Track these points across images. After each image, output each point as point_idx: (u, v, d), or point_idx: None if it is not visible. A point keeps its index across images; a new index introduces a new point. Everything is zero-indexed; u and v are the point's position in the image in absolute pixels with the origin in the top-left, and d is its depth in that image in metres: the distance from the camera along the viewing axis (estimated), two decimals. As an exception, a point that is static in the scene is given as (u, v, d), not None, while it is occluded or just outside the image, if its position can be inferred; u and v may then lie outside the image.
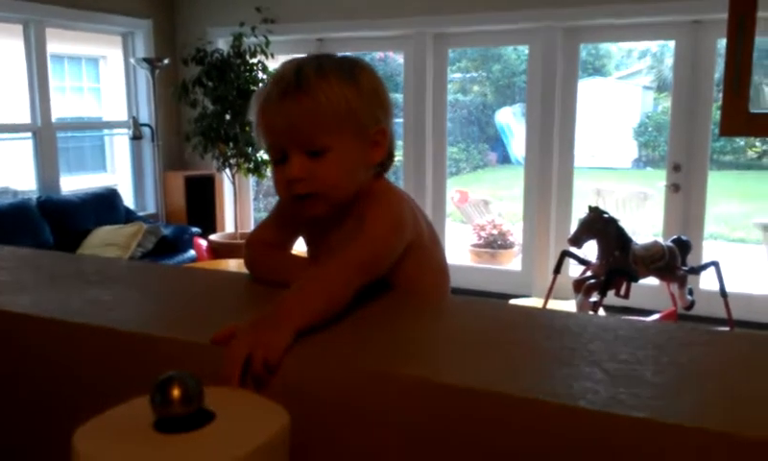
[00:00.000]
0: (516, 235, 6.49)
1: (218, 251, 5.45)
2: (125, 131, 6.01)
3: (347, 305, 0.96)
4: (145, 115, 5.85)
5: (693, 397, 0.75)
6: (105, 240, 4.82)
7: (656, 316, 3.95)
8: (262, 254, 1.21)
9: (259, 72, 5.39)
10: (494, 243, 6.72)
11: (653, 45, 13.39)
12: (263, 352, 0.84)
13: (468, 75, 13.71)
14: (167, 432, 0.69)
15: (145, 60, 5.45)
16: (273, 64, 5.47)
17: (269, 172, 5.77)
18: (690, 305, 3.73)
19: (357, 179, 1.09)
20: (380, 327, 0.99)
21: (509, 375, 0.82)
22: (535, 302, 4.55)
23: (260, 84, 5.37)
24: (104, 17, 5.48)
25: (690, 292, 3.76)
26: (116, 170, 7.64)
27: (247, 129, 5.36)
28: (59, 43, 6.24)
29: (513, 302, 4.24)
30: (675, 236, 3.87)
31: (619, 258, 3.51)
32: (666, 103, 11.44)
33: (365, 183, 1.11)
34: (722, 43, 4.38)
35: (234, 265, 4.95)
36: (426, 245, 1.15)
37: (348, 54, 1.20)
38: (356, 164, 1.08)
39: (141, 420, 0.71)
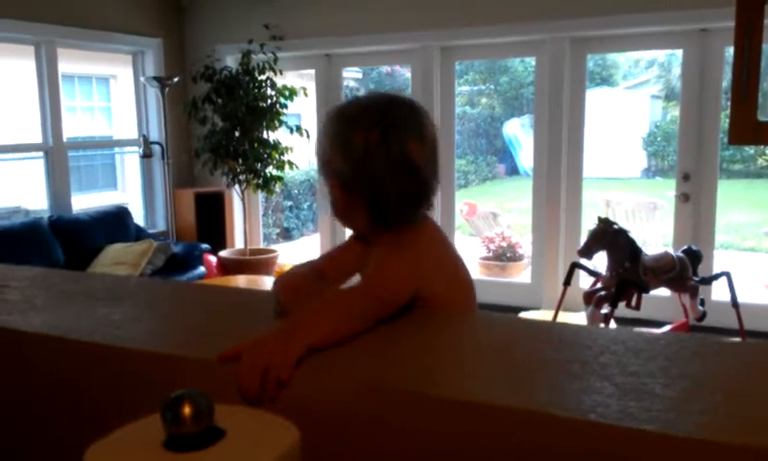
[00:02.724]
0: (526, 247, 6.47)
1: (228, 267, 5.47)
2: (135, 149, 6.06)
3: (360, 330, 0.98)
4: (155, 133, 5.90)
5: (704, 409, 0.74)
6: (115, 258, 4.85)
7: (667, 327, 3.92)
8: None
9: (268, 88, 5.42)
10: (504, 255, 6.70)
11: (660, 54, 13.38)
12: (274, 366, 0.85)
13: (475, 87, 13.74)
14: (177, 450, 0.69)
15: (155, 78, 5.50)
16: (281, 81, 5.50)
17: (278, 188, 5.80)
18: (702, 316, 3.70)
19: (349, 217, 1.21)
20: (390, 345, 0.99)
21: (519, 388, 0.82)
22: (545, 314, 4.53)
23: (269, 101, 5.42)
24: (114, 37, 5.54)
25: (702, 303, 3.73)
26: (127, 188, 7.70)
27: (256, 145, 5.40)
28: (69, 63, 6.31)
29: (523, 314, 4.23)
30: (685, 246, 3.85)
31: (630, 270, 3.49)
32: (675, 112, 11.43)
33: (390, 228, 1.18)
34: (730, 51, 4.37)
35: (244, 281, 4.97)
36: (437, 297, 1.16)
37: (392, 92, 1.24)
38: (338, 202, 1.19)
39: (152, 438, 0.71)
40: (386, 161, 1.13)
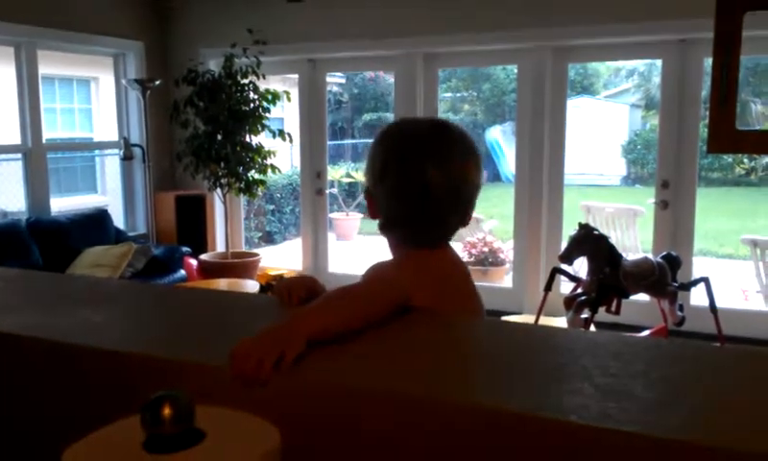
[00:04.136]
0: (507, 253, 6.50)
1: (208, 270, 5.43)
2: (116, 151, 6.01)
3: (352, 325, 1.00)
4: (136, 136, 5.85)
5: (682, 411, 0.75)
6: (94, 261, 4.80)
7: (646, 332, 3.96)
8: None
9: (251, 92, 5.40)
10: (485, 261, 6.73)
11: (640, 64, 13.54)
12: (273, 357, 0.85)
13: (458, 94, 13.82)
14: (157, 452, 0.69)
15: (137, 80, 5.45)
16: (264, 85, 5.48)
17: (260, 192, 5.77)
18: (681, 321, 3.74)
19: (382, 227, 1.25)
20: (373, 348, 0.99)
21: (499, 390, 0.82)
22: (526, 319, 4.55)
23: (252, 105, 5.40)
24: (96, 39, 5.49)
25: (681, 308, 3.77)
26: (107, 191, 7.62)
27: (238, 149, 5.37)
28: (50, 65, 6.25)
29: (504, 319, 4.24)
30: (665, 252, 3.88)
31: (610, 275, 3.51)
32: (654, 121, 11.56)
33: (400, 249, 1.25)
34: (709, 62, 4.42)
35: (225, 285, 4.94)
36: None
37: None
38: (367, 208, 1.27)
39: (131, 439, 0.70)
40: (395, 186, 1.18)
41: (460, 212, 1.21)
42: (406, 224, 1.21)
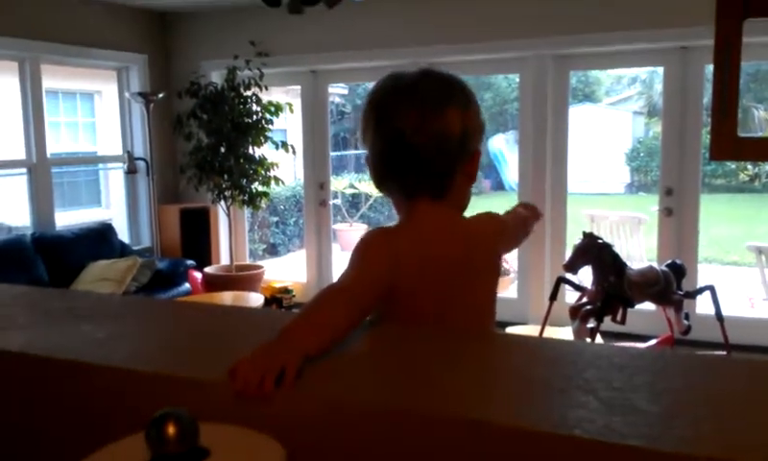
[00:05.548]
0: (512, 262, 6.48)
1: (213, 283, 5.44)
2: (120, 165, 6.03)
3: (346, 327, 1.00)
4: (140, 149, 5.87)
5: (688, 424, 0.75)
6: (99, 275, 4.80)
7: (653, 341, 3.94)
8: None
9: (253, 104, 5.42)
10: (490, 270, 6.71)
11: (642, 72, 13.55)
12: (274, 372, 0.85)
13: (460, 103, 13.82)
14: (162, 470, 0.69)
15: (140, 94, 5.48)
16: (267, 96, 5.50)
17: (264, 204, 5.78)
18: (687, 330, 3.72)
19: None
20: (376, 363, 0.99)
21: (503, 404, 0.82)
22: (531, 329, 4.54)
23: (254, 117, 5.41)
24: (99, 53, 5.52)
25: (686, 316, 3.75)
26: (111, 204, 7.64)
27: (241, 161, 5.38)
28: (53, 79, 6.28)
29: (509, 330, 4.23)
30: (669, 261, 3.87)
31: (615, 284, 3.50)
32: (657, 128, 11.56)
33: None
34: (710, 68, 4.41)
35: (230, 298, 4.94)
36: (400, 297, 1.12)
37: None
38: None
39: (135, 458, 0.70)
40: (375, 135, 1.16)
41: (450, 156, 1.16)
42: (390, 175, 1.17)
